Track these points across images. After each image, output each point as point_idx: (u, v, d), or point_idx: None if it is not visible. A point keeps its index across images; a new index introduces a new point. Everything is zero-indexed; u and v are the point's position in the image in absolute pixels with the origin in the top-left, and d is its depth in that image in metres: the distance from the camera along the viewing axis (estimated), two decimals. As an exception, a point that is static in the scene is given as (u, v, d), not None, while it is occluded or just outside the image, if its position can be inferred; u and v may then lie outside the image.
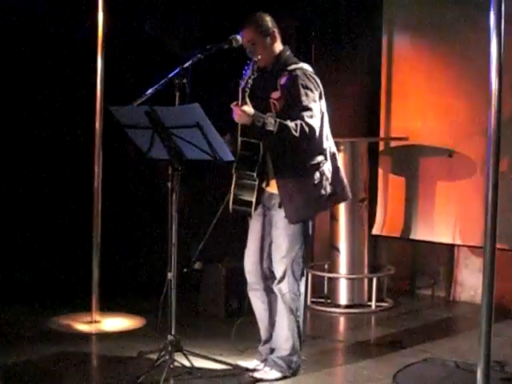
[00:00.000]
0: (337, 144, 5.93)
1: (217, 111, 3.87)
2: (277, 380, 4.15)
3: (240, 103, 3.84)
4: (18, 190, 5.76)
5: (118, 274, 6.00)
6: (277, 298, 4.21)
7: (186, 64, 4.00)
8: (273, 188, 4.10)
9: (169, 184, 4.00)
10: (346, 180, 4.26)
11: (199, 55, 4.04)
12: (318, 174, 4.05)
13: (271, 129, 3.82)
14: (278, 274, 4.14)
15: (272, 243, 4.17)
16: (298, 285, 4.15)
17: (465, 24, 5.81)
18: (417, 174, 6.32)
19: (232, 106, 3.88)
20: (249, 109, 3.85)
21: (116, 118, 3.97)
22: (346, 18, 6.40)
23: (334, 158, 4.20)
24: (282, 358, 4.18)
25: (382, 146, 6.58)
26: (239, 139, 3.96)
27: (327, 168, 4.11)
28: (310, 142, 3.98)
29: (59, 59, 5.82)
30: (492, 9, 3.30)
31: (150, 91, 3.96)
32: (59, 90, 5.85)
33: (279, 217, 4.08)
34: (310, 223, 4.19)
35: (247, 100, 3.87)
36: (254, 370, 4.23)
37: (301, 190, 4.03)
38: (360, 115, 6.53)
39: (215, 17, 6.09)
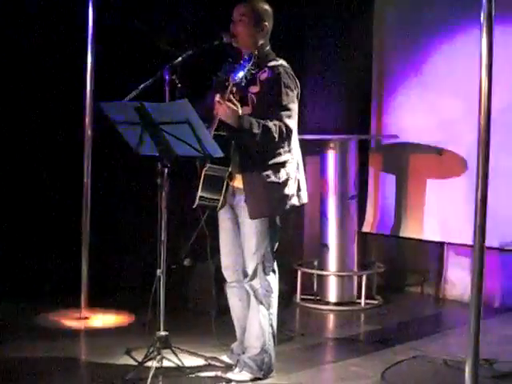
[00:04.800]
0: (327, 141, 6.02)
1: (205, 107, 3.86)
2: (252, 381, 4.08)
3: (226, 97, 3.82)
4: (5, 187, 5.73)
5: (107, 271, 5.98)
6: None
7: (177, 60, 4.00)
8: (238, 183, 4.04)
9: (158, 180, 4.00)
10: (305, 183, 4.17)
11: (189, 51, 4.04)
12: (283, 173, 4.00)
13: (256, 131, 3.80)
14: (249, 271, 4.09)
15: (241, 241, 4.13)
16: (269, 281, 4.11)
17: (455, 21, 5.82)
18: (407, 172, 6.33)
19: (217, 99, 3.84)
20: (237, 109, 3.83)
21: (105, 114, 3.95)
22: (336, 17, 6.39)
23: (298, 157, 4.14)
24: (252, 358, 4.10)
25: (372, 144, 6.59)
26: (212, 133, 3.89)
27: (293, 167, 4.06)
28: (282, 141, 3.95)
29: (48, 54, 5.79)
30: (482, 6, 3.30)
31: (140, 87, 3.96)
32: (48, 87, 5.82)
33: (245, 214, 4.01)
34: (277, 218, 4.11)
35: (233, 98, 3.85)
36: (227, 370, 4.18)
37: (266, 187, 3.95)
38: (351, 113, 6.53)
39: (206, 13, 6.07)
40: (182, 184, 4.11)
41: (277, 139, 3.86)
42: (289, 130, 3.91)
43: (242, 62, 3.92)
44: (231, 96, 3.86)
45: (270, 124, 3.84)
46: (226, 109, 3.83)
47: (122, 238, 6.31)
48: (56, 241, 5.91)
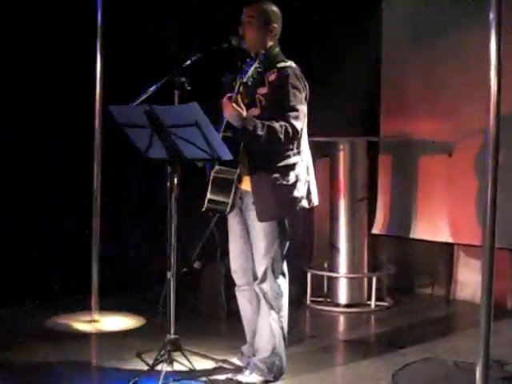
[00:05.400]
0: (336, 143, 6.02)
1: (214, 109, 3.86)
2: (262, 383, 4.08)
3: (233, 98, 3.83)
4: (16, 189, 5.74)
5: (117, 273, 5.99)
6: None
7: (186, 63, 4.01)
8: (246, 185, 4.03)
9: (168, 183, 4.00)
10: (315, 185, 4.16)
11: (198, 54, 4.05)
12: (293, 175, 3.98)
13: (260, 133, 3.79)
14: (259, 274, 4.08)
15: (251, 244, 4.13)
16: (279, 284, 4.10)
17: (464, 22, 5.80)
18: (416, 173, 6.32)
19: (225, 100, 3.86)
20: (241, 110, 3.84)
21: (114, 118, 3.96)
22: (344, 18, 6.38)
23: (308, 159, 4.14)
24: (262, 360, 4.09)
25: (381, 145, 6.58)
26: (221, 134, 3.91)
27: (303, 169, 4.05)
28: (289, 142, 3.95)
29: (58, 58, 5.80)
30: (491, 7, 3.30)
31: (149, 90, 3.96)
32: (58, 90, 5.83)
33: (254, 217, 4.00)
34: (286, 220, 4.10)
35: (240, 102, 3.85)
36: (237, 372, 4.19)
37: (274, 189, 3.94)
38: (360, 114, 6.52)
39: (214, 16, 6.08)
40: (192, 186, 4.12)
41: (282, 140, 3.84)
42: (295, 131, 3.89)
43: (248, 61, 3.92)
44: (238, 97, 3.87)
45: (276, 125, 3.82)
46: (231, 110, 3.83)
47: (132, 240, 6.33)
48: (66, 243, 5.93)
